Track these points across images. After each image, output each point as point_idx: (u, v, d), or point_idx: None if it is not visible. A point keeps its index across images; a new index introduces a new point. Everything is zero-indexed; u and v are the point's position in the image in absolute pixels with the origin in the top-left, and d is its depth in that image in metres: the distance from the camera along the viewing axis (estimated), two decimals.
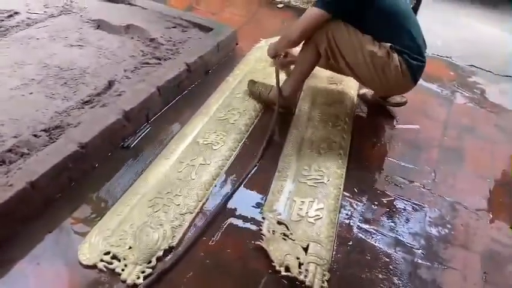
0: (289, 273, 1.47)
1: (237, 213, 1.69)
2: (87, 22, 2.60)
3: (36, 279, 1.38)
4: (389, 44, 1.87)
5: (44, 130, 1.77)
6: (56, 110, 1.89)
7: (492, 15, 3.72)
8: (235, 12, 3.25)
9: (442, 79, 2.71)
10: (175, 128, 2.07)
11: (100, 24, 2.61)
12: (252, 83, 2.28)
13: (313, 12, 1.89)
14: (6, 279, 1.38)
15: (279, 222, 1.66)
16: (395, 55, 1.87)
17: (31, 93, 1.97)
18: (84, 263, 1.44)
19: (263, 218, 1.67)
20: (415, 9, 3.03)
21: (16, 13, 2.56)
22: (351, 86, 2.49)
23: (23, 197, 1.48)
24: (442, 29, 3.32)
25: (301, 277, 1.46)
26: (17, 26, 2.45)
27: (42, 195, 1.56)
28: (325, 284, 1.45)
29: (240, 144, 2.02)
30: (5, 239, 1.46)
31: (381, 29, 1.87)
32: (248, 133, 2.09)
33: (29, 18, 2.53)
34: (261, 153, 1.94)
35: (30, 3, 2.68)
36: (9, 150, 1.66)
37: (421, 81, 2.50)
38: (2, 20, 2.47)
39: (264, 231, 1.62)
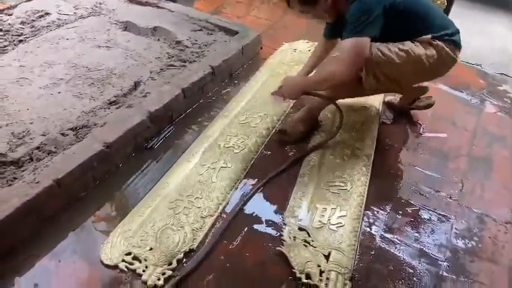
0: (309, 281, 1.45)
1: (257, 218, 1.67)
2: (115, 24, 2.64)
3: (58, 276, 1.40)
4: (428, 36, 1.78)
5: (71, 129, 1.80)
6: (83, 110, 1.92)
7: None
8: (260, 16, 3.25)
9: (471, 87, 2.64)
10: (197, 130, 2.08)
11: (127, 26, 2.65)
12: (277, 134, 2.08)
13: (355, 41, 1.66)
14: (29, 274, 1.40)
15: (300, 229, 1.64)
16: (439, 42, 1.79)
17: (59, 93, 2.01)
18: (106, 262, 1.45)
19: (284, 224, 1.65)
20: (446, 13, 2.96)
21: (47, 14, 2.62)
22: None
23: (49, 194, 1.51)
24: (473, 37, 3.23)
25: (322, 285, 1.43)
26: (47, 26, 2.51)
27: (67, 193, 1.59)
28: None
29: (261, 148, 2.01)
30: (30, 236, 1.49)
31: (412, 27, 1.79)
32: (269, 137, 2.07)
33: (59, 19, 2.59)
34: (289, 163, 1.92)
35: (61, 5, 2.74)
36: (37, 148, 1.70)
37: (449, 89, 2.43)
38: (34, 20, 2.54)
39: (285, 236, 1.60)
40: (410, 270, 1.53)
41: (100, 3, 2.83)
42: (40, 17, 2.58)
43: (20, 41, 2.35)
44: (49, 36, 2.43)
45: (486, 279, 1.52)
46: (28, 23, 2.50)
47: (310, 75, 2.09)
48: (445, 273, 1.54)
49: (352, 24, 1.65)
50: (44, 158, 1.65)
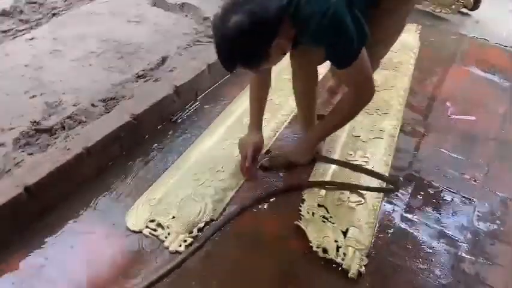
0: (326, 255, 1.47)
1: (277, 192, 1.70)
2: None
3: (85, 238, 1.48)
4: None
5: (101, 100, 1.86)
6: (112, 82, 1.98)
7: None
8: None
9: (504, 70, 2.55)
10: (221, 106, 2.10)
11: (156, 2, 2.68)
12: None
13: (357, 70, 1.38)
14: (58, 237, 1.47)
15: (319, 205, 1.66)
16: None
17: (90, 65, 2.07)
18: (131, 228, 1.52)
19: (303, 199, 1.68)
20: None
21: None
22: (404, 73, 2.41)
23: (79, 162, 1.58)
24: (509, 19, 3.10)
25: (339, 260, 1.46)
26: (80, 0, 2.57)
27: (95, 161, 1.66)
28: (363, 269, 1.44)
29: (284, 126, 2.02)
30: (59, 200, 1.56)
31: None
32: (292, 114, 2.08)
33: None
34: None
35: None
36: (69, 117, 1.77)
37: (480, 72, 2.37)
38: None
39: (303, 212, 1.63)
40: (429, 250, 1.53)
41: None
42: None
43: (54, 14, 2.42)
44: (81, 10, 2.50)
45: (506, 262, 1.51)
46: None
47: (317, 125, 1.78)
48: (464, 254, 1.53)
49: (340, 47, 1.33)
50: (75, 127, 1.72)
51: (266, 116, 1.85)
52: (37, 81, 1.94)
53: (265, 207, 1.65)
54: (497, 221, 1.66)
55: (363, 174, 1.76)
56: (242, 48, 1.27)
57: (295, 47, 1.43)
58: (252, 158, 1.66)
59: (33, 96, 1.86)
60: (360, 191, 1.70)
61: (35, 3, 2.47)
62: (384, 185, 1.75)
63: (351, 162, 1.83)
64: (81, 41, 2.23)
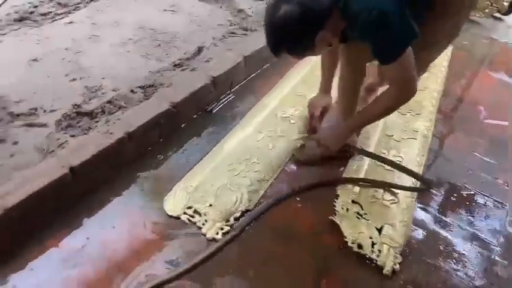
0: (360, 251, 1.49)
1: (311, 186, 1.72)
2: None
3: (124, 220, 1.51)
4: None
5: (140, 87, 1.89)
6: (150, 70, 2.00)
7: None
8: None
9: None
10: (255, 98, 2.12)
11: None
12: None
13: (401, 68, 1.40)
14: (98, 216, 1.51)
15: (353, 201, 1.67)
16: None
17: (128, 52, 2.10)
18: (169, 213, 1.54)
19: (337, 195, 1.69)
20: None
21: None
22: (437, 75, 2.40)
23: (121, 146, 1.61)
24: None
25: (373, 256, 1.48)
26: None
27: (135, 146, 1.69)
28: (397, 266, 1.46)
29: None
30: (100, 182, 1.60)
31: None
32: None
33: None
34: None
35: None
36: (109, 102, 1.80)
37: (509, 78, 2.36)
38: None
39: (338, 207, 1.64)
40: (462, 252, 1.54)
41: None
42: None
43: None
44: None
45: None
46: None
47: (353, 116, 1.77)
48: (497, 258, 1.54)
49: (386, 42, 1.34)
50: (115, 112, 1.75)
51: (299, 110, 1.87)
52: (77, 65, 1.97)
53: (299, 200, 1.67)
54: None
55: (397, 174, 1.77)
56: (289, 36, 1.35)
57: (344, 42, 1.45)
58: (319, 118, 1.84)
59: (74, 80, 1.89)
60: (393, 190, 1.71)
61: None
62: (417, 184, 1.76)
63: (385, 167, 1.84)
64: (118, 27, 2.26)
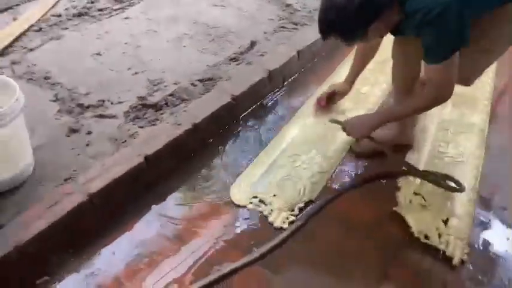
0: (427, 241, 1.50)
1: (372, 178, 1.73)
2: None
3: (194, 208, 1.56)
4: None
5: (199, 80, 1.94)
6: (207, 64, 2.05)
7: None
8: None
9: None
10: (309, 91, 2.14)
11: None
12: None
13: (444, 71, 1.39)
14: (165, 203, 1.57)
15: (415, 193, 1.68)
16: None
17: (185, 46, 2.16)
18: (236, 202, 1.59)
19: (399, 187, 1.70)
20: None
21: None
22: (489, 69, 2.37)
23: (189, 136, 1.66)
24: None
25: (441, 246, 1.48)
26: None
27: (200, 136, 1.74)
28: (465, 257, 1.46)
29: None
30: (169, 170, 1.65)
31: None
32: (378, 105, 2.09)
33: None
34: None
35: None
36: (171, 95, 1.86)
37: None
38: None
39: (401, 198, 1.65)
40: None
41: None
42: None
43: None
44: None
45: None
46: None
47: (387, 108, 1.83)
48: None
49: (435, 42, 1.33)
50: (178, 104, 1.81)
51: (351, 104, 1.91)
52: (137, 59, 2.03)
53: (361, 192, 1.68)
54: None
55: (456, 168, 1.77)
56: (345, 21, 1.31)
57: (397, 35, 1.45)
58: (326, 98, 1.91)
59: (136, 73, 1.95)
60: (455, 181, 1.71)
61: None
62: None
63: (444, 153, 1.83)
64: (173, 22, 2.31)
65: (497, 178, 1.77)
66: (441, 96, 1.46)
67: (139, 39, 2.16)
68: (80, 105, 1.76)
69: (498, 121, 2.07)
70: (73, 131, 1.64)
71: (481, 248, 1.52)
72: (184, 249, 1.41)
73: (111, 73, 1.94)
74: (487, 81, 2.29)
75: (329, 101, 1.94)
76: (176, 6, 2.44)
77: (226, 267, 1.36)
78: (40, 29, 2.13)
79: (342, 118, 1.83)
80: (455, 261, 1.44)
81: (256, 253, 1.42)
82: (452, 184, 1.67)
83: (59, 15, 2.24)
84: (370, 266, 1.44)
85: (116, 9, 2.35)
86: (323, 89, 2.07)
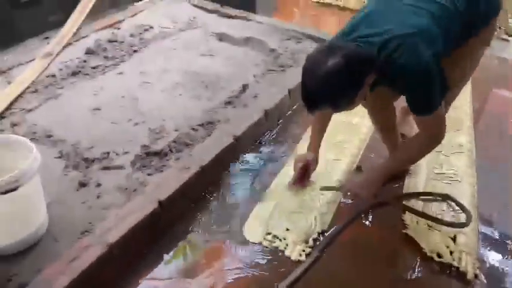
0: (441, 260, 1.55)
1: (377, 205, 1.79)
2: (212, 35, 2.87)
3: (209, 248, 1.58)
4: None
5: (199, 125, 2.00)
6: (204, 109, 2.12)
7: None
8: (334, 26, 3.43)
9: None
10: (302, 127, 2.22)
11: (222, 37, 2.87)
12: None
13: (437, 120, 1.50)
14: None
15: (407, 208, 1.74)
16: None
17: (180, 95, 2.23)
18: (251, 240, 1.61)
19: (404, 211, 1.76)
20: None
21: (151, 27, 2.89)
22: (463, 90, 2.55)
23: (197, 179, 1.69)
24: None
25: (454, 263, 1.53)
26: (153, 38, 2.77)
27: (208, 178, 1.78)
28: (478, 271, 1.52)
29: (365, 144, 2.13)
30: (181, 213, 1.67)
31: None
32: (370, 134, 2.19)
33: (162, 32, 2.85)
34: None
35: (161, 20, 3.01)
36: (174, 141, 1.90)
37: None
38: (141, 33, 2.80)
39: (407, 221, 1.71)
40: None
41: (194, 17, 3.08)
42: (145, 30, 2.85)
43: (134, 51, 2.60)
44: (157, 46, 2.69)
45: None
46: (136, 36, 2.77)
47: (385, 161, 1.83)
48: None
49: (426, 98, 1.42)
50: (183, 150, 1.85)
51: (346, 136, 2.06)
52: (136, 111, 2.09)
53: (369, 220, 1.73)
54: None
55: (454, 188, 1.86)
56: (335, 95, 1.34)
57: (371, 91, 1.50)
58: (301, 173, 1.79)
59: (136, 124, 2.00)
60: (456, 202, 1.79)
61: (115, 41, 2.66)
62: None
63: (439, 174, 1.93)
64: (165, 74, 2.40)
65: (492, 194, 1.87)
66: (436, 141, 1.56)
67: (135, 91, 2.22)
68: (86, 159, 1.77)
69: (482, 140, 2.21)
70: (82, 184, 1.65)
71: (490, 262, 1.58)
72: None
73: (112, 126, 1.97)
74: (466, 104, 2.45)
75: (304, 177, 1.83)
76: (166, 59, 2.54)
77: None
78: (36, 90, 2.16)
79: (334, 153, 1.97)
80: (470, 275, 1.50)
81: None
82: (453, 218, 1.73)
83: (53, 76, 2.29)
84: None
85: (108, 66, 2.42)
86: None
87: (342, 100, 1.38)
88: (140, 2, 3.27)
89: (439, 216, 1.71)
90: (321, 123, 1.81)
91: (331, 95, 1.35)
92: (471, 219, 1.68)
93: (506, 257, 1.60)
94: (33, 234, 1.37)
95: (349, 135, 2.17)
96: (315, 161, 1.83)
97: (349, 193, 1.81)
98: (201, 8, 3.26)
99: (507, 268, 1.56)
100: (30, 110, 2.04)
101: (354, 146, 2.11)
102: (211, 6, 3.27)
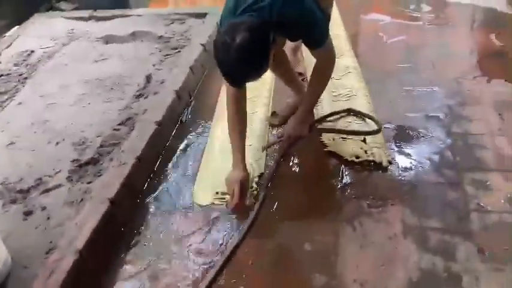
0: (360, 159, 1.85)
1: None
2: (97, 41, 2.88)
3: (171, 219, 1.72)
4: None
5: (120, 124, 2.07)
6: (118, 108, 2.19)
7: None
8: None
9: None
10: (213, 97, 2.39)
11: (108, 40, 2.89)
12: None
13: (331, 44, 1.70)
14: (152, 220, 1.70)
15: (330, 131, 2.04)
16: None
17: (89, 104, 2.26)
18: (203, 203, 1.77)
19: (320, 134, 2.04)
20: None
21: (32, 51, 2.81)
22: (338, 21, 2.89)
23: (136, 170, 1.80)
24: None
25: (370, 158, 1.85)
26: (40, 60, 2.71)
27: (145, 167, 1.89)
28: (390, 158, 1.85)
29: (272, 93, 2.37)
30: (130, 206, 1.78)
31: None
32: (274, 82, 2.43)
33: (45, 52, 2.79)
34: None
35: (38, 41, 2.93)
36: (101, 146, 1.96)
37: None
38: (25, 60, 2.72)
39: (325, 140, 1.99)
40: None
41: (72, 29, 3.04)
42: (28, 56, 2.76)
43: (25, 78, 2.54)
44: (47, 66, 2.64)
45: None
46: (21, 64, 2.69)
47: (304, 98, 1.96)
48: None
49: (318, 35, 1.62)
50: (113, 150, 1.92)
51: (254, 93, 2.21)
52: (52, 131, 2.09)
53: (294, 151, 1.98)
54: None
55: (353, 103, 2.17)
56: (252, 60, 1.43)
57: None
58: (240, 195, 1.68)
59: (58, 143, 2.02)
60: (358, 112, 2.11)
61: (1, 76, 2.56)
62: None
63: (342, 100, 2.22)
64: (66, 89, 2.39)
65: (383, 98, 2.23)
66: (334, 62, 1.77)
67: (43, 115, 2.20)
68: (20, 191, 1.77)
69: (362, 58, 2.57)
70: (27, 213, 1.66)
71: (396, 148, 1.93)
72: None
73: (34, 153, 1.97)
74: (341, 31, 2.80)
75: (243, 197, 1.72)
76: (61, 76, 2.51)
77: (229, 247, 1.55)
78: None
79: None
80: (385, 163, 1.83)
81: (242, 229, 1.62)
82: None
83: None
84: (331, 197, 1.75)
85: (4, 101, 2.34)
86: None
87: (261, 67, 1.47)
88: (10, 31, 3.13)
89: (347, 128, 2.02)
90: (239, 121, 1.76)
91: (251, 67, 1.46)
92: (380, 124, 2.00)
93: (406, 141, 1.96)
94: (1, 271, 1.40)
95: (257, 90, 2.38)
96: (247, 179, 1.74)
97: (290, 137, 1.96)
98: (75, 18, 3.22)
99: (411, 148, 1.92)
100: None
101: (264, 96, 2.33)
102: (84, 13, 3.24)
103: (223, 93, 2.33)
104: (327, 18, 1.68)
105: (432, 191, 1.70)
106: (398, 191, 1.73)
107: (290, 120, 2.01)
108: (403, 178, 1.78)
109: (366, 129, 2.01)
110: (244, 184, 1.71)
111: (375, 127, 1.99)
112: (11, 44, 2.91)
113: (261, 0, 1.50)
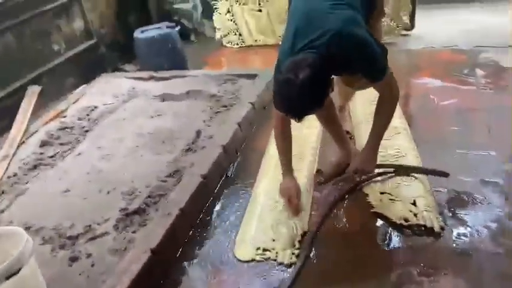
0: (410, 223, 1.76)
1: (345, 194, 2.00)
2: (154, 98, 3.07)
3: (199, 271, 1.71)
4: None
5: (168, 175, 2.14)
6: (167, 161, 2.28)
7: None
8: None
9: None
10: (259, 152, 2.42)
11: (164, 98, 3.08)
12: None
13: (391, 75, 1.72)
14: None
15: (381, 193, 1.96)
16: None
17: (141, 156, 2.37)
18: (243, 259, 1.74)
19: (366, 194, 1.98)
20: None
21: (95, 107, 3.04)
22: None
23: (180, 221, 1.82)
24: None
25: (421, 222, 1.75)
26: (101, 115, 2.92)
27: (188, 219, 1.91)
28: (442, 223, 1.74)
29: (317, 151, 2.37)
30: (171, 256, 1.78)
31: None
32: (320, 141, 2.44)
33: (107, 108, 3.01)
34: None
35: (102, 98, 3.17)
36: (148, 196, 2.02)
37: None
38: (88, 115, 2.94)
39: (372, 201, 1.93)
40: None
41: (133, 88, 3.28)
42: (91, 111, 2.99)
43: (86, 131, 2.73)
44: (107, 121, 2.83)
45: None
46: (84, 118, 2.90)
47: (370, 134, 1.91)
48: None
49: (374, 66, 1.64)
50: (159, 201, 1.97)
51: (298, 150, 2.24)
52: (104, 181, 2.20)
53: (338, 211, 1.93)
54: None
55: (402, 162, 2.11)
56: (314, 94, 1.52)
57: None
58: (294, 202, 1.90)
59: (108, 192, 2.11)
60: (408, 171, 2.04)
61: (66, 128, 2.77)
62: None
63: (391, 160, 2.16)
64: (121, 142, 2.54)
65: (434, 160, 2.14)
66: (397, 94, 1.80)
67: (98, 165, 2.33)
68: (70, 237, 1.84)
69: (412, 120, 2.52)
70: (73, 259, 1.72)
71: (449, 213, 1.82)
72: None
73: (86, 200, 2.07)
74: None
75: (298, 204, 1.93)
76: (118, 129, 2.68)
77: None
78: (3, 192, 2.21)
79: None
80: (436, 228, 1.72)
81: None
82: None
83: (15, 175, 2.35)
84: (377, 261, 1.65)
85: (66, 151, 2.51)
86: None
87: (321, 101, 1.57)
88: (78, 89, 3.42)
89: (396, 189, 1.95)
90: (284, 140, 1.92)
91: (313, 100, 1.55)
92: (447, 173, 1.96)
93: (461, 206, 1.85)
94: None
95: (302, 147, 2.39)
96: (297, 185, 1.94)
97: (356, 172, 1.95)
98: (137, 78, 3.47)
99: (465, 214, 1.80)
100: (2, 211, 2.09)
101: (309, 154, 2.33)
102: (145, 74, 3.49)
103: (269, 150, 2.39)
104: (385, 52, 1.69)
105: (488, 262, 1.57)
106: (451, 259, 1.60)
107: (355, 158, 2.00)
108: (456, 246, 1.66)
109: (415, 191, 1.92)
110: (297, 188, 1.93)
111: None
112: (77, 99, 3.18)
113: (320, 38, 1.56)
